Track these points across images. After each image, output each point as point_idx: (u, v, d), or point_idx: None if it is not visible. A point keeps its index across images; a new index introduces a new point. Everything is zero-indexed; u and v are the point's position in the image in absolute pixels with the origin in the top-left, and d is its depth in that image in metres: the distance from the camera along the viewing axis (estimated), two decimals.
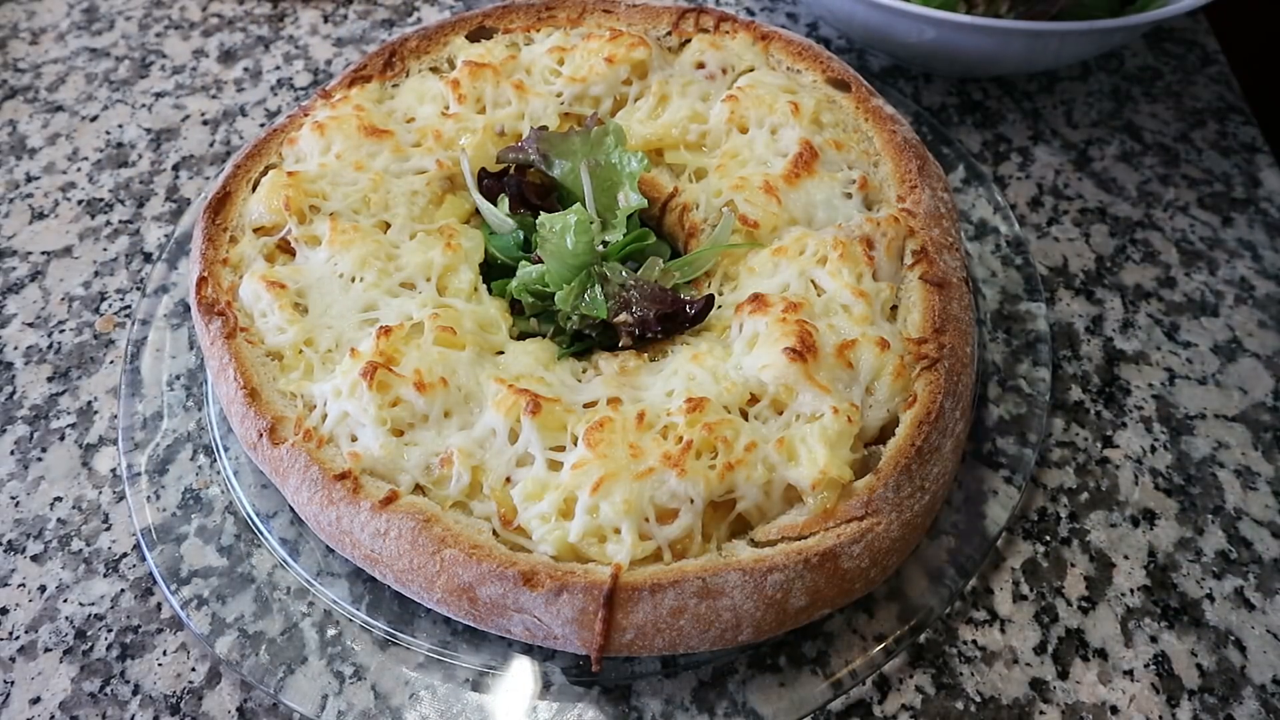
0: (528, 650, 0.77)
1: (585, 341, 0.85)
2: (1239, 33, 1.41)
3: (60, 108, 1.24)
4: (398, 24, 1.36)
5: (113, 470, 0.91)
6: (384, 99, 1.01)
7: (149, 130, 1.22)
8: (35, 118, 1.23)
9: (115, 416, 0.93)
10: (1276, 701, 0.78)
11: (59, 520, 0.88)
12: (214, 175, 1.15)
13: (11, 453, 0.92)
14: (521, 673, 0.76)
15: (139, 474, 0.87)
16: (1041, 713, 0.77)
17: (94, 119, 1.23)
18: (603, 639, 0.69)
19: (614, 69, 0.99)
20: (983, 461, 0.88)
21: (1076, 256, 1.09)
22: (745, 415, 0.77)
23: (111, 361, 0.99)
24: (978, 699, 0.78)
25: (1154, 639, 0.81)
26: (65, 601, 0.83)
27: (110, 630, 0.82)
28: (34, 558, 0.86)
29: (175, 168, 1.17)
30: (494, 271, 0.90)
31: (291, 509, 0.81)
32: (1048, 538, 0.87)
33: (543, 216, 0.85)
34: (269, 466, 0.78)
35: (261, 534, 0.84)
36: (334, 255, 0.86)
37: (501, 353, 0.83)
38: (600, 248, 0.85)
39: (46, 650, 0.81)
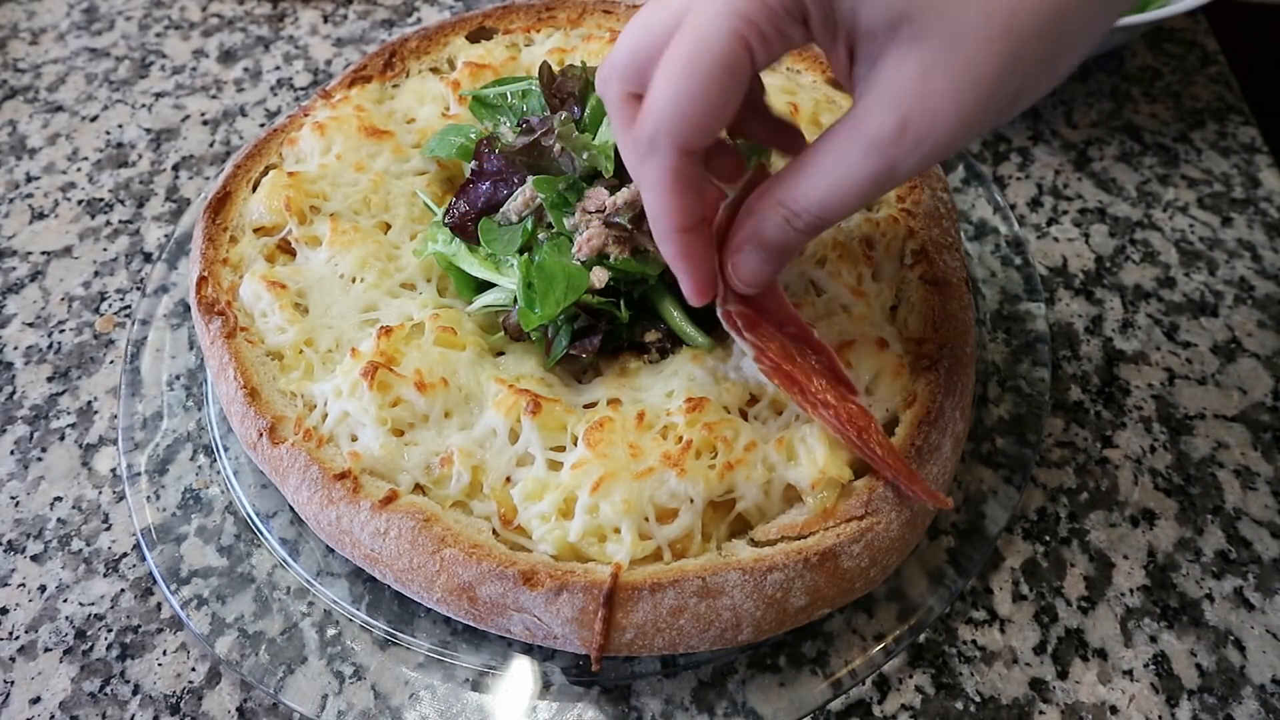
0: (528, 650, 0.77)
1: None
2: (1239, 33, 1.41)
3: (60, 108, 1.24)
4: (398, 24, 1.36)
5: (113, 470, 0.91)
6: (384, 99, 1.01)
7: (149, 130, 1.22)
8: (35, 118, 1.23)
9: (115, 416, 0.93)
10: (1276, 701, 0.78)
11: (59, 520, 0.88)
12: (214, 175, 1.15)
13: (11, 453, 0.93)
14: (521, 673, 0.76)
15: (139, 474, 0.87)
16: (1041, 712, 0.77)
17: (94, 119, 1.23)
18: (603, 638, 0.69)
19: None
20: (983, 461, 0.88)
21: (1076, 256, 1.09)
22: (745, 415, 0.77)
23: (111, 361, 0.99)
24: (977, 699, 0.78)
25: (1153, 639, 0.81)
26: (65, 601, 0.83)
27: (110, 630, 0.82)
28: (34, 557, 0.86)
29: (175, 168, 1.17)
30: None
31: (291, 509, 0.81)
32: (1047, 538, 0.87)
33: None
34: (269, 466, 0.78)
35: (261, 534, 0.84)
36: (334, 255, 0.86)
37: (502, 353, 0.83)
38: None
39: (46, 650, 0.81)
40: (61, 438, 0.94)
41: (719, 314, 0.73)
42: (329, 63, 1.30)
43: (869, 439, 0.72)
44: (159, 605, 0.83)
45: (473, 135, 0.91)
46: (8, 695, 0.78)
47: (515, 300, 0.80)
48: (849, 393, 0.74)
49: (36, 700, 0.78)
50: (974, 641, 0.81)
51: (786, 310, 0.76)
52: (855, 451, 0.73)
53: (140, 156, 1.19)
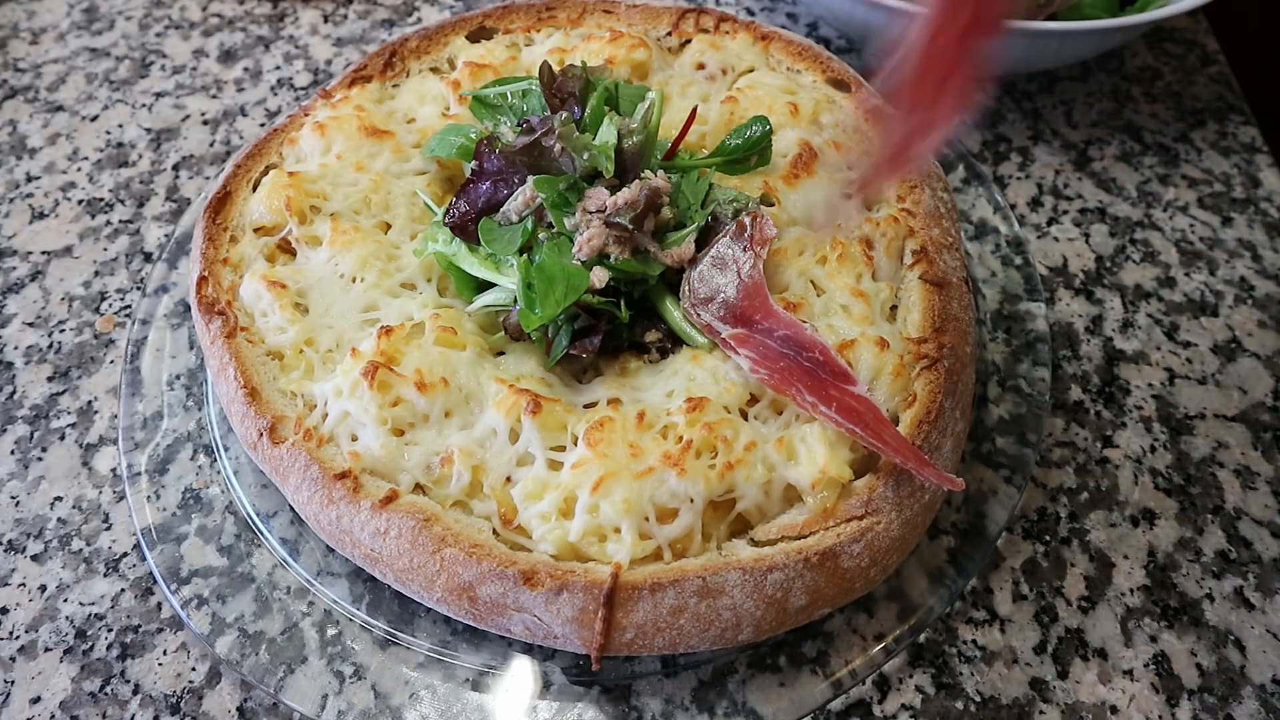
0: (528, 650, 0.77)
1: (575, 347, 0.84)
2: (1239, 33, 1.41)
3: (60, 107, 1.24)
4: (398, 24, 1.36)
5: (113, 470, 0.91)
6: (384, 99, 1.01)
7: (149, 130, 1.22)
8: (35, 117, 1.23)
9: (115, 416, 0.93)
10: (1276, 701, 0.78)
11: (59, 520, 0.88)
12: (214, 175, 1.15)
13: (11, 452, 0.93)
14: (521, 672, 0.76)
15: (139, 474, 0.87)
16: (1041, 712, 0.77)
17: (94, 119, 1.23)
18: (603, 638, 0.69)
19: (614, 70, 0.99)
20: (983, 461, 0.88)
21: (1076, 256, 1.09)
22: (745, 415, 0.77)
23: (111, 361, 0.99)
24: (977, 699, 0.78)
25: (1154, 639, 0.81)
26: (65, 601, 0.83)
27: (110, 630, 0.82)
28: (34, 557, 0.86)
29: (175, 167, 1.17)
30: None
31: (291, 509, 0.81)
32: (1048, 538, 0.87)
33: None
34: (269, 466, 0.78)
35: (261, 534, 0.84)
36: (335, 255, 0.86)
37: (502, 353, 0.83)
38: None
39: (47, 650, 0.81)
40: (62, 437, 0.94)
41: (717, 340, 0.76)
42: (329, 62, 1.30)
43: (873, 427, 0.72)
44: (159, 605, 0.83)
45: (473, 135, 0.91)
46: (8, 695, 0.78)
47: (515, 300, 0.80)
48: (847, 384, 0.75)
49: (37, 700, 0.78)
50: (974, 641, 0.81)
51: (777, 318, 0.76)
52: (861, 442, 0.73)
53: (140, 156, 1.19)
